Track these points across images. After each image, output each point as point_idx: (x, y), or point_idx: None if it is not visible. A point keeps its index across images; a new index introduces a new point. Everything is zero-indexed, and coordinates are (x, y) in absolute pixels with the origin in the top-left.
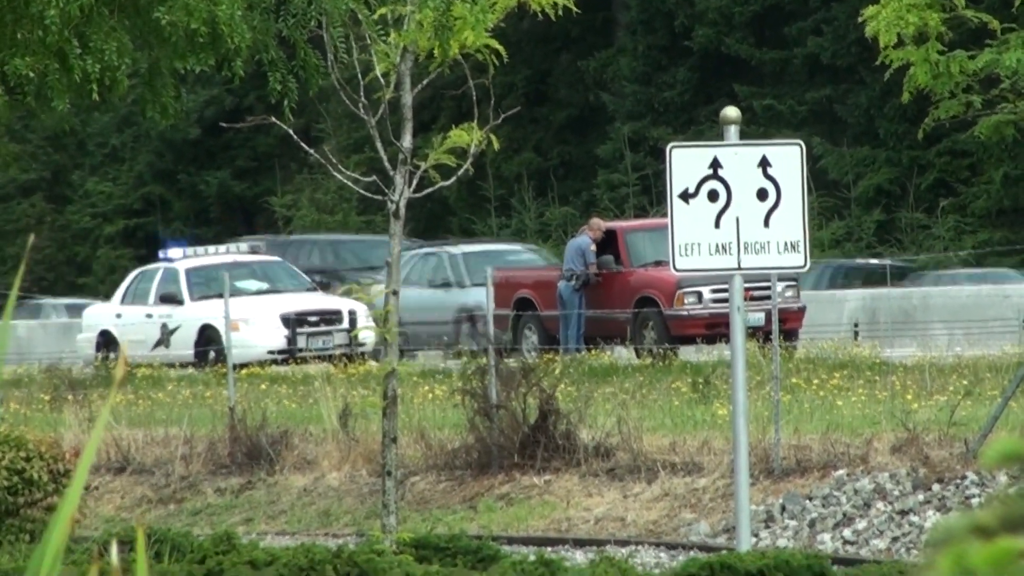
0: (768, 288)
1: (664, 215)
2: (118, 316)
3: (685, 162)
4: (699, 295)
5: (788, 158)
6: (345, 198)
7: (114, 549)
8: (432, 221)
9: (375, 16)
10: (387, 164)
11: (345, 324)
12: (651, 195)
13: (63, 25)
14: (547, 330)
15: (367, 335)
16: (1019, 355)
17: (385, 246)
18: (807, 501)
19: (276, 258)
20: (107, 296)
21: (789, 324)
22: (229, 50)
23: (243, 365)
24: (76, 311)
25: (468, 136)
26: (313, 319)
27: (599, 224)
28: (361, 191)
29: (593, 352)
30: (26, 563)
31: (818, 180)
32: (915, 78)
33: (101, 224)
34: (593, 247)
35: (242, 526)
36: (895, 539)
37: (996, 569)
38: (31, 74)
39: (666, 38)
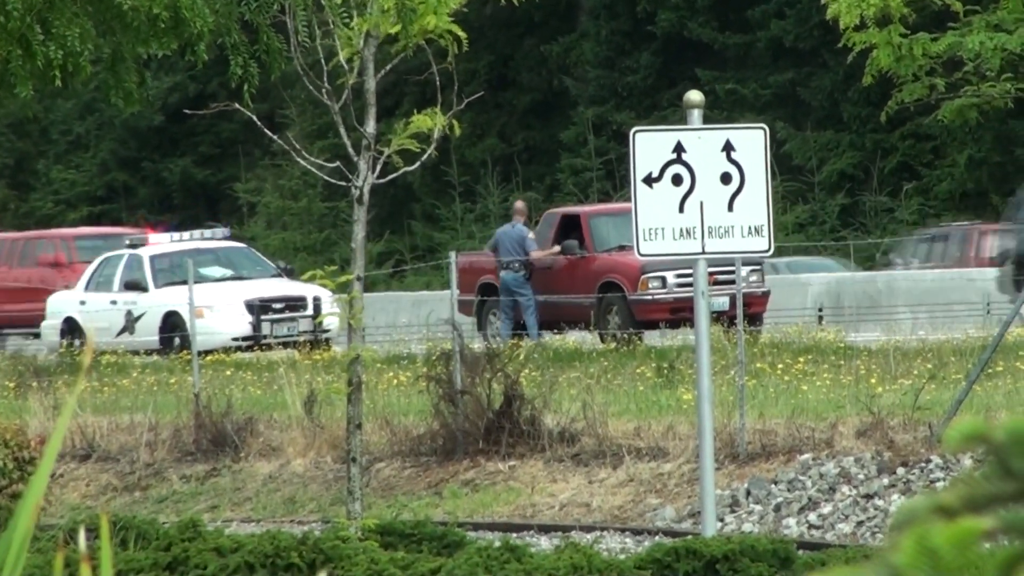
0: (732, 272)
1: (628, 200)
2: (82, 303)
3: (648, 146)
4: (663, 280)
5: (752, 142)
6: (310, 184)
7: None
8: (396, 207)
9: (339, 0)
10: (351, 150)
11: (310, 310)
12: (615, 180)
13: (25, 11)
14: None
15: (331, 321)
16: (983, 339)
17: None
18: (772, 486)
19: (241, 245)
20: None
21: (753, 308)
22: (192, 35)
23: (208, 352)
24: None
25: (431, 121)
26: (278, 306)
27: (524, 208)
28: (325, 177)
29: (557, 337)
30: None
31: (782, 164)
32: (878, 61)
33: (65, 211)
34: (532, 234)
35: (208, 513)
36: (860, 523)
37: (959, 549)
38: None
39: (629, 23)
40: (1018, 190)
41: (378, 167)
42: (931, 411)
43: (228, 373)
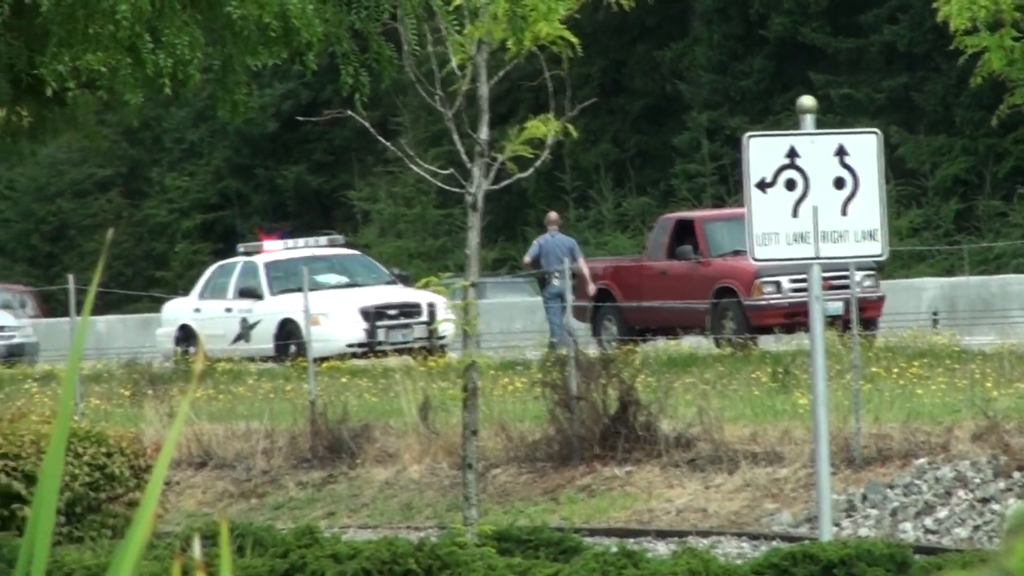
0: (847, 277)
1: (742, 204)
2: (197, 311)
3: (762, 151)
4: (778, 284)
5: (865, 146)
6: (424, 191)
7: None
8: (510, 213)
9: (451, 7)
10: (464, 156)
11: (424, 317)
12: (728, 184)
13: (135, 20)
14: (627, 321)
15: (446, 328)
16: None
17: None
18: (888, 490)
19: (355, 252)
20: (185, 291)
21: (868, 313)
22: (301, 43)
23: (323, 359)
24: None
25: (545, 127)
26: (392, 312)
27: (557, 218)
28: (439, 184)
29: (672, 342)
30: (108, 559)
31: (895, 168)
32: (988, 64)
33: (179, 219)
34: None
35: (324, 520)
36: (977, 527)
37: None
38: (103, 69)
39: (741, 27)
40: None
41: (492, 173)
42: None
43: (344, 380)
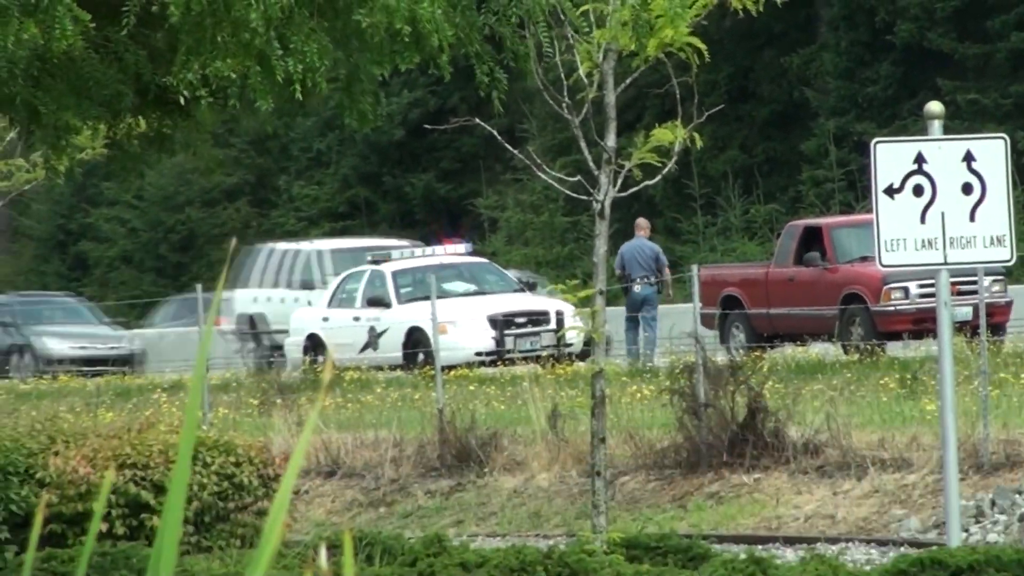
0: (975, 282)
1: (869, 211)
2: (325, 319)
3: (889, 157)
4: (906, 290)
5: (993, 152)
6: (551, 198)
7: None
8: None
9: (579, 12)
10: (592, 164)
11: (552, 325)
12: (856, 191)
13: (264, 27)
14: (754, 328)
15: (574, 335)
16: None
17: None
18: (1017, 496)
19: (483, 260)
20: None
21: (996, 318)
22: (433, 48)
23: (451, 367)
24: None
25: (672, 134)
26: (521, 320)
27: (646, 223)
28: (567, 191)
29: (800, 349)
30: (237, 568)
31: (1023, 174)
32: None
33: (307, 228)
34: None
35: (452, 528)
36: None
37: None
38: (233, 76)
39: (868, 33)
40: None
41: (619, 181)
42: None
43: (472, 388)
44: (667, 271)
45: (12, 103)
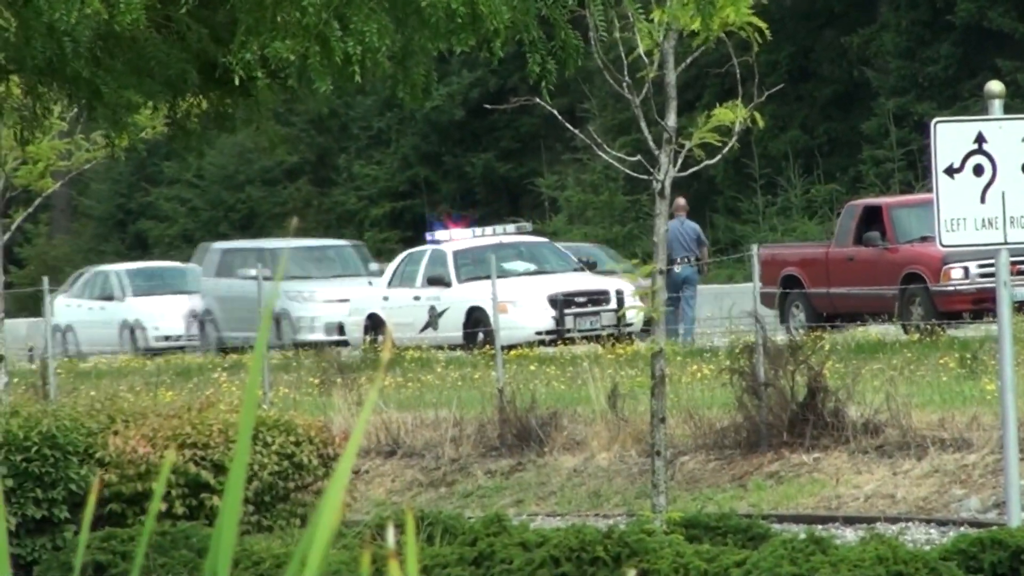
0: None
1: (929, 191)
2: (385, 299)
3: (949, 137)
4: (966, 270)
5: None
6: (611, 178)
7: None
8: (698, 200)
9: None
10: (652, 143)
11: (612, 304)
12: (916, 170)
13: (323, 7)
14: (814, 307)
15: (633, 315)
16: None
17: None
18: None
19: (543, 239)
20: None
21: None
22: (488, 31)
23: (511, 347)
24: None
25: (733, 114)
26: (580, 300)
27: (685, 203)
28: (627, 171)
29: (860, 329)
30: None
31: None
32: None
33: (367, 207)
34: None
35: (512, 508)
36: None
37: None
38: (292, 57)
39: (928, 13)
40: None
41: (679, 160)
42: None
43: (532, 368)
44: (706, 251)
45: (75, 81)
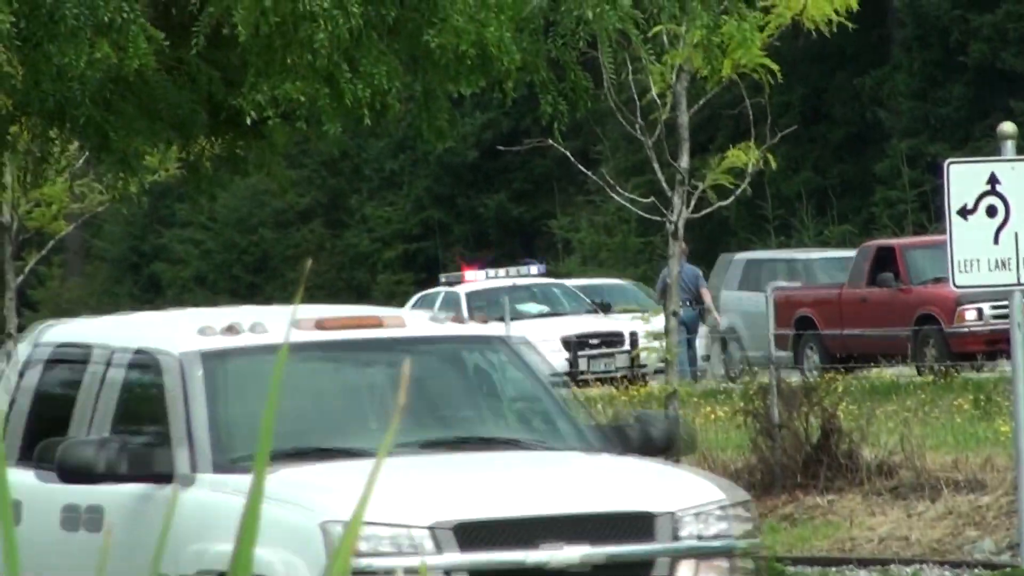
0: None
1: (943, 232)
2: None
3: (963, 178)
4: (980, 311)
5: None
6: (624, 219)
7: None
8: (711, 241)
9: (650, 34)
10: (665, 185)
11: (626, 346)
12: (929, 211)
13: (332, 49)
14: (828, 349)
15: (648, 356)
16: None
17: None
18: None
19: (556, 281)
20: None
21: None
22: (499, 72)
23: None
24: None
25: (746, 156)
26: (594, 341)
27: (685, 247)
28: (640, 212)
29: (874, 371)
30: None
31: None
32: None
33: (380, 249)
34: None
35: None
36: None
37: None
38: (302, 99)
39: (941, 54)
40: None
41: (692, 202)
42: None
43: None
44: (706, 294)
45: (84, 125)
